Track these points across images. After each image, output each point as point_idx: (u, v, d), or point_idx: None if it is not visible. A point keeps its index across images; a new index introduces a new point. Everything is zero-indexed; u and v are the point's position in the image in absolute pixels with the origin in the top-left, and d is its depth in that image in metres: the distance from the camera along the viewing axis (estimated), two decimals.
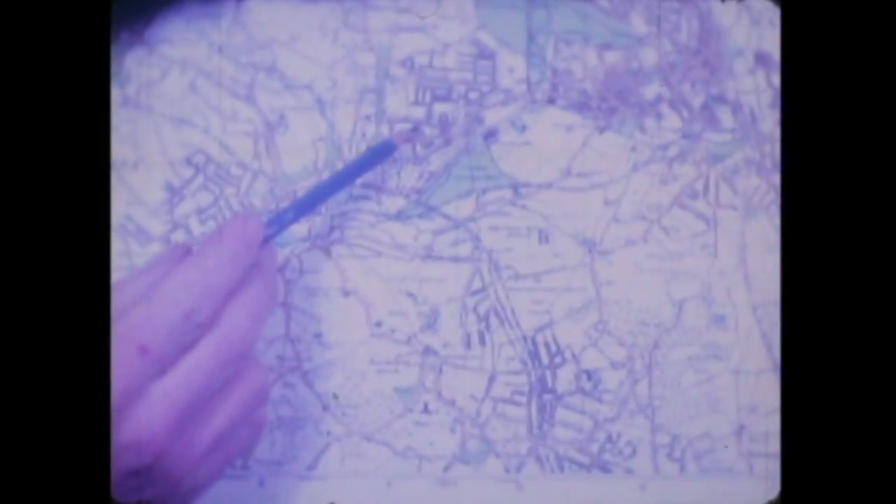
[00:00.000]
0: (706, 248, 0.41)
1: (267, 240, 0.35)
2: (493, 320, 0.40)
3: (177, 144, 0.41)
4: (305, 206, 0.37)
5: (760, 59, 0.42)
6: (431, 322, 0.40)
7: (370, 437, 0.40)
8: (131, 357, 0.30)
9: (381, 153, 0.40)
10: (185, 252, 0.34)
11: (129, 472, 0.30)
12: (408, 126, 0.41)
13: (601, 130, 0.41)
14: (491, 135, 0.41)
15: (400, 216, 0.40)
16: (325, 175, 0.40)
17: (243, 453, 0.39)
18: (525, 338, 0.40)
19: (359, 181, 0.40)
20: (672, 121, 0.41)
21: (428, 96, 0.41)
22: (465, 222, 0.40)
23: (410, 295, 0.40)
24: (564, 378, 0.40)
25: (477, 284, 0.40)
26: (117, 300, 0.32)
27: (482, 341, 0.40)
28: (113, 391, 0.29)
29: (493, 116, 0.41)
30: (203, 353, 0.31)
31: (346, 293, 0.40)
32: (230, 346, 0.32)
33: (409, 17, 0.41)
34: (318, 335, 0.40)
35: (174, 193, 0.40)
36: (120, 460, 0.30)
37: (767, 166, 0.41)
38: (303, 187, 0.40)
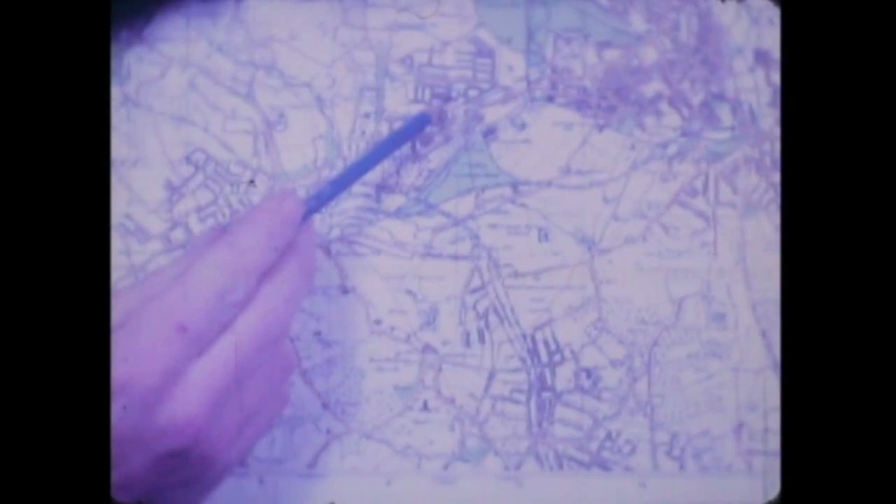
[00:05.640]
0: (706, 246, 0.41)
1: (306, 216, 0.34)
2: (493, 318, 0.40)
3: (176, 142, 0.41)
4: (344, 181, 0.37)
5: (760, 57, 0.42)
6: (431, 320, 0.40)
7: (370, 435, 0.40)
8: (170, 336, 0.30)
9: (417, 125, 0.40)
10: (222, 232, 0.34)
11: (168, 453, 0.30)
12: (435, 106, 0.41)
13: (600, 128, 0.41)
14: (490, 132, 0.41)
15: (399, 214, 0.40)
16: (325, 173, 0.40)
17: (269, 428, 0.39)
18: (524, 336, 0.40)
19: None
20: (671, 119, 0.41)
21: (427, 94, 0.41)
22: (465, 220, 0.40)
23: (410, 293, 0.40)
24: (564, 376, 0.40)
25: (476, 282, 0.40)
26: (155, 283, 0.31)
27: (481, 339, 0.40)
28: (152, 373, 0.29)
29: (492, 114, 0.41)
30: (239, 333, 0.31)
31: (345, 291, 0.40)
32: (266, 329, 0.32)
33: (408, 15, 0.41)
34: (317, 333, 0.40)
35: (174, 192, 0.40)
36: (159, 443, 0.30)
37: (767, 164, 0.41)
38: (302, 185, 0.40)
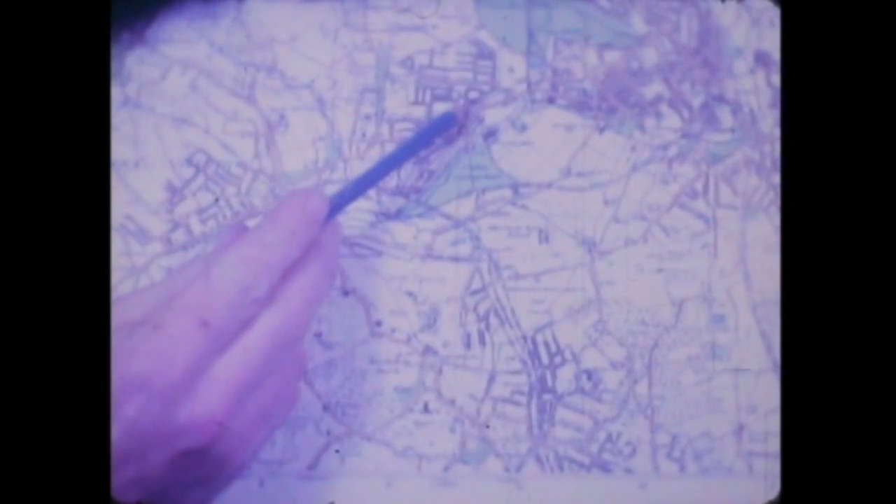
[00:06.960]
0: (706, 247, 0.41)
1: (330, 215, 0.34)
2: (493, 320, 0.40)
3: (177, 144, 0.41)
4: (368, 180, 0.37)
5: (760, 58, 0.42)
6: (431, 322, 0.40)
7: (370, 436, 0.40)
8: (193, 332, 0.30)
9: (442, 125, 0.40)
10: (245, 229, 0.34)
11: (186, 451, 0.30)
12: (453, 105, 0.41)
13: (601, 130, 0.41)
14: (491, 134, 0.41)
15: (400, 215, 0.40)
16: (326, 175, 0.40)
17: (280, 427, 0.38)
18: (525, 337, 0.40)
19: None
20: (672, 120, 0.41)
21: (428, 96, 0.41)
22: (465, 222, 0.40)
23: (410, 294, 0.40)
24: (564, 378, 0.40)
25: (477, 284, 0.40)
26: (178, 279, 0.31)
27: (482, 341, 0.40)
28: (174, 369, 0.29)
29: (493, 116, 0.41)
30: (261, 331, 0.31)
31: (345, 293, 0.40)
32: (287, 327, 0.32)
33: (409, 17, 0.41)
34: (318, 335, 0.40)
35: (175, 193, 0.40)
36: (178, 439, 0.29)
37: (767, 166, 0.41)
38: (303, 187, 0.40)
